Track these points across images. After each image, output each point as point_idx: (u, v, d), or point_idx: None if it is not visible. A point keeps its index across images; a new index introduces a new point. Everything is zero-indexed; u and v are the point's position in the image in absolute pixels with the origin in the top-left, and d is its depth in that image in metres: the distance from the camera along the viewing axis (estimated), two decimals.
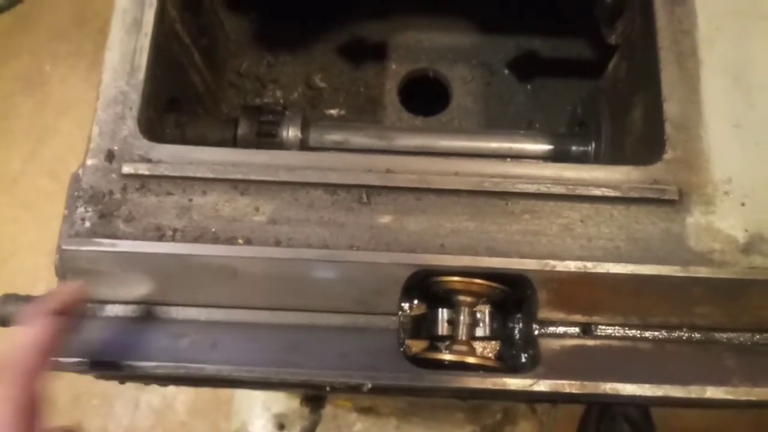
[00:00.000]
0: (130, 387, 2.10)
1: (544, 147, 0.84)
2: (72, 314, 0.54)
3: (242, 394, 1.78)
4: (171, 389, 2.08)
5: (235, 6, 1.08)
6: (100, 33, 2.40)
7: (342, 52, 1.10)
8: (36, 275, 2.13)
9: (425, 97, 1.08)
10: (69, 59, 2.40)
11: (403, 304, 0.62)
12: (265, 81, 1.09)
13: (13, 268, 2.14)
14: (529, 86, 1.07)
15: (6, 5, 2.47)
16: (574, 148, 0.83)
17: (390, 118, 1.06)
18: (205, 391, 2.07)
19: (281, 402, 1.70)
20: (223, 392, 2.04)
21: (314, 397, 1.10)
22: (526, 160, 0.80)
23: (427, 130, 0.99)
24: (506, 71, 1.08)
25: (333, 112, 1.07)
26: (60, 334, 0.52)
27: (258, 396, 1.73)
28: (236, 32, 1.10)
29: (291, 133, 0.84)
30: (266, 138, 0.84)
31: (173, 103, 0.84)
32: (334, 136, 0.85)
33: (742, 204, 0.62)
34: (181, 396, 2.06)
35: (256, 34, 1.11)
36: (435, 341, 0.64)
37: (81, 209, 0.61)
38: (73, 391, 2.05)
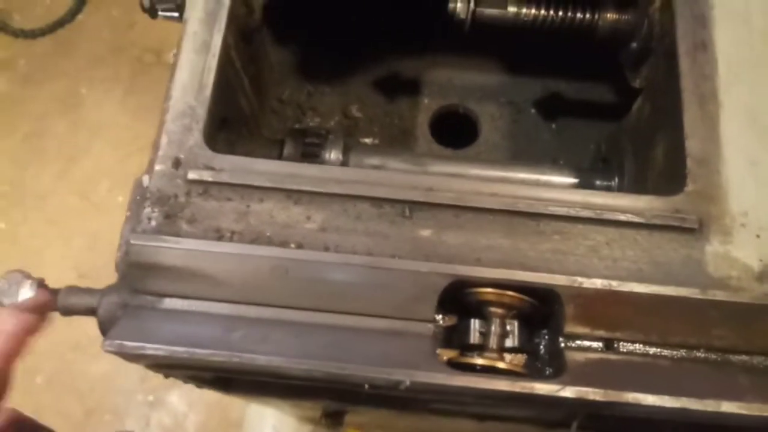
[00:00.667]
0: (141, 404, 2.12)
1: (569, 180, 0.89)
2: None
3: (252, 417, 1.81)
4: (182, 408, 2.10)
5: (280, 39, 1.15)
6: (137, 61, 2.52)
7: (378, 85, 1.17)
8: None
9: (455, 131, 1.14)
10: (105, 84, 2.50)
11: (436, 315, 0.67)
12: (304, 109, 1.16)
13: None
14: (553, 125, 1.13)
15: (47, 29, 2.59)
16: (598, 182, 0.88)
17: (421, 149, 1.12)
18: (216, 413, 2.10)
19: (291, 426, 1.72)
20: (234, 414, 2.07)
21: (334, 413, 1.13)
22: (556, 186, 0.86)
23: (459, 158, 1.05)
24: (532, 110, 1.14)
25: (368, 141, 1.14)
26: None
27: (268, 419, 1.75)
28: (280, 63, 1.17)
29: (333, 155, 0.90)
30: (310, 159, 0.90)
31: (224, 122, 0.91)
32: (373, 160, 0.91)
33: (757, 236, 0.66)
34: (192, 416, 2.08)
35: (298, 66, 1.19)
36: (465, 350, 0.68)
37: (148, 209, 0.67)
38: (85, 407, 2.08)
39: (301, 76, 1.19)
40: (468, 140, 1.13)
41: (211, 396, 2.11)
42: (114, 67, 2.53)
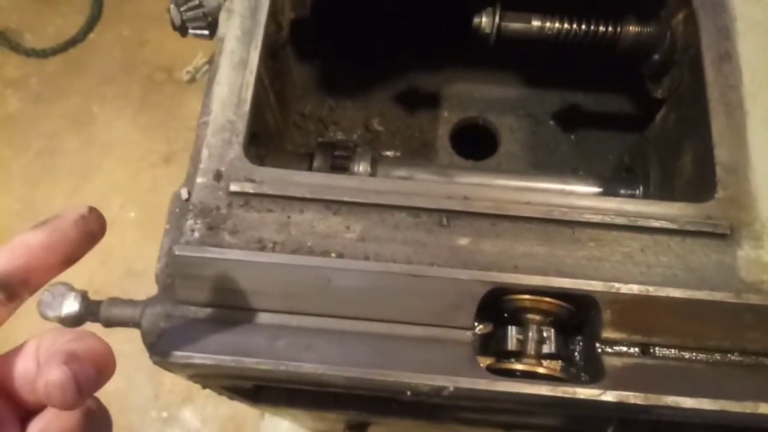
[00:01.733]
0: (155, 421, 2.12)
1: (593, 189, 0.91)
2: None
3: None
4: (195, 424, 2.10)
5: (302, 55, 1.18)
6: (148, 79, 2.55)
7: (399, 99, 1.20)
8: None
9: (475, 143, 1.16)
10: (116, 101, 2.53)
11: (475, 322, 0.68)
12: (327, 123, 1.18)
13: None
14: (573, 136, 1.15)
15: (59, 48, 2.62)
16: (622, 191, 0.90)
17: (442, 161, 1.14)
18: (229, 428, 2.09)
19: None
20: (248, 430, 2.07)
21: (358, 425, 1.14)
22: (589, 195, 0.87)
23: (482, 169, 1.07)
24: (551, 122, 1.16)
25: (389, 153, 1.16)
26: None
27: None
28: (302, 78, 1.20)
29: (362, 167, 0.91)
30: (339, 171, 0.91)
31: (254, 137, 0.92)
32: (400, 172, 0.93)
33: None
34: None
35: (319, 80, 1.21)
36: (502, 357, 0.69)
37: (191, 221, 0.68)
38: None
39: (323, 91, 1.21)
40: (488, 152, 1.15)
41: (224, 412, 2.11)
42: (125, 85, 2.56)
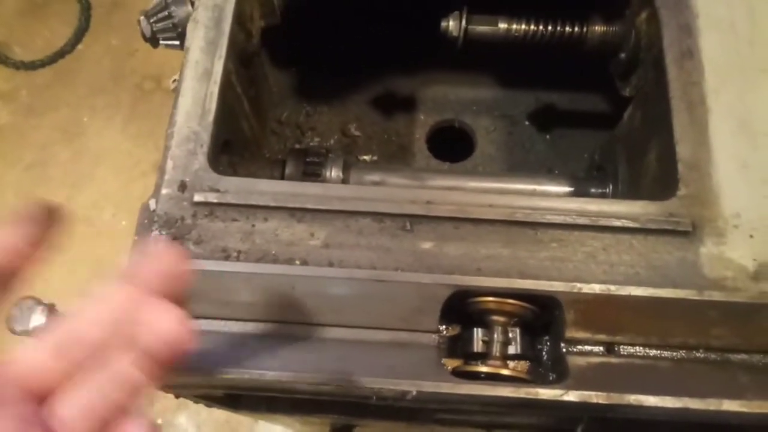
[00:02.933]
0: None
1: (565, 188, 0.91)
2: None
3: None
4: (191, 430, 2.10)
5: (278, 61, 1.18)
6: (137, 88, 2.55)
7: (375, 103, 1.20)
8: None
9: (451, 145, 1.17)
10: (106, 111, 2.54)
11: (440, 326, 0.68)
12: (303, 129, 1.18)
13: None
14: (548, 136, 1.15)
15: (48, 60, 2.63)
16: (593, 190, 0.90)
17: (419, 164, 1.14)
18: None
19: None
20: None
21: (343, 428, 1.14)
22: (552, 196, 0.87)
23: (456, 172, 1.07)
24: (527, 122, 1.16)
25: (366, 158, 1.16)
26: None
27: None
28: (278, 85, 1.20)
29: (334, 173, 0.92)
30: (311, 177, 0.92)
31: (226, 145, 0.93)
32: (373, 177, 0.93)
33: (751, 236, 0.68)
34: None
35: (296, 87, 1.21)
36: (469, 359, 0.70)
37: (155, 232, 0.69)
38: None
39: (300, 97, 1.21)
40: (464, 154, 1.15)
41: (219, 417, 2.11)
42: (115, 95, 2.57)
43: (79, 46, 2.65)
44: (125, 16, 2.63)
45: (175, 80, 0.94)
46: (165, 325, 0.40)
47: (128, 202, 2.37)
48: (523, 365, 0.70)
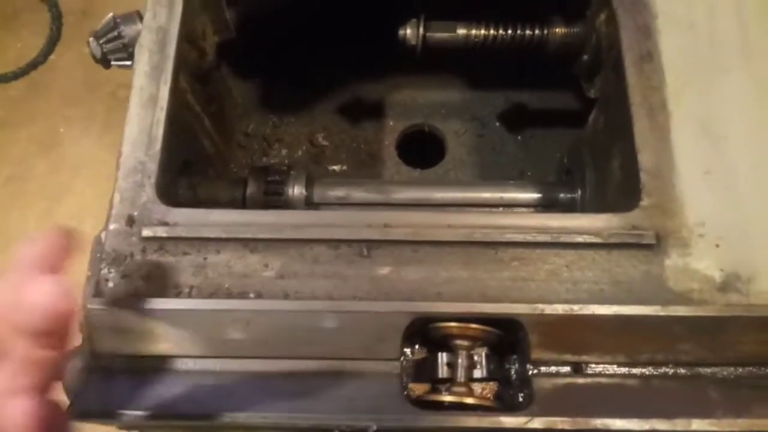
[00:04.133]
0: None
1: (533, 195, 0.89)
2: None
3: None
4: None
5: (241, 73, 1.15)
6: (112, 96, 2.51)
7: (342, 111, 1.18)
8: None
9: (422, 150, 1.14)
10: (82, 122, 2.50)
11: (405, 350, 0.66)
12: (270, 141, 1.16)
13: None
14: (519, 137, 1.13)
15: (20, 72, 2.59)
16: (562, 195, 0.88)
17: (389, 172, 1.12)
18: None
19: None
20: None
21: None
22: (513, 211, 0.85)
23: (422, 183, 1.05)
24: (497, 123, 1.14)
25: (336, 167, 1.14)
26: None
27: None
28: (243, 96, 1.17)
29: (296, 190, 0.90)
30: (273, 196, 0.89)
31: (186, 165, 0.90)
32: (337, 192, 0.91)
33: (717, 245, 0.66)
34: None
35: (261, 98, 1.19)
36: (436, 384, 0.68)
37: (104, 271, 0.66)
38: None
39: (266, 108, 1.19)
40: (436, 159, 1.13)
41: None
42: (89, 105, 2.53)
43: (52, 57, 2.61)
44: (95, 24, 2.57)
45: None
46: (39, 297, 0.41)
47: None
48: (491, 387, 0.68)
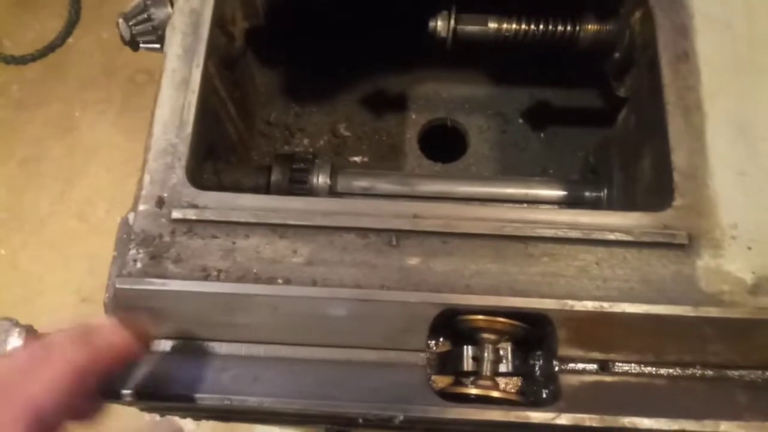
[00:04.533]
0: (149, 424, 2.12)
1: (558, 193, 0.89)
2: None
3: None
4: (190, 426, 2.10)
5: (265, 61, 1.15)
6: (130, 81, 2.52)
7: (365, 102, 1.17)
8: (62, 314, 2.18)
9: (444, 144, 1.14)
10: (98, 105, 2.50)
11: (429, 342, 0.66)
12: (292, 130, 1.15)
13: (39, 307, 2.19)
14: (542, 134, 1.12)
15: (38, 54, 2.59)
16: (587, 193, 0.88)
17: (410, 165, 1.12)
18: (222, 431, 2.09)
19: None
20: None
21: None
22: (543, 206, 0.85)
23: (447, 176, 1.05)
24: (520, 120, 1.14)
25: (357, 159, 1.13)
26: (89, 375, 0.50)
27: None
28: (266, 85, 1.17)
29: (321, 179, 0.89)
30: (297, 184, 0.89)
31: (210, 151, 0.90)
32: (361, 183, 0.91)
33: (749, 248, 0.66)
34: None
35: (284, 87, 1.18)
36: (460, 377, 0.68)
37: (133, 251, 0.66)
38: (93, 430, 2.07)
39: (288, 97, 1.18)
40: (457, 153, 1.12)
41: None
42: (106, 89, 2.53)
43: (70, 40, 2.61)
44: (115, 8, 2.56)
45: None
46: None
47: (122, 198, 2.32)
48: (514, 381, 0.68)
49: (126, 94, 2.52)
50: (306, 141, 1.15)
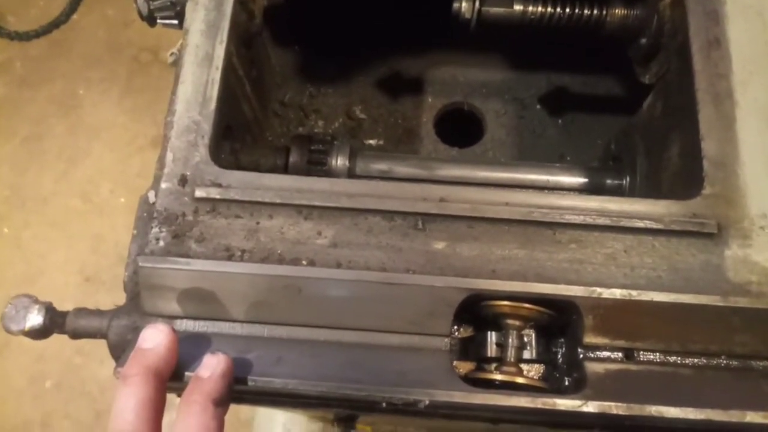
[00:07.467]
0: None
1: (579, 180, 0.88)
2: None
3: (263, 417, 1.80)
4: None
5: (281, 41, 1.13)
6: (134, 60, 2.49)
7: (381, 85, 1.16)
8: (65, 293, 2.17)
9: (460, 129, 1.13)
10: (102, 84, 2.48)
11: (453, 327, 0.65)
12: (307, 111, 1.14)
13: (42, 286, 2.19)
14: (560, 120, 1.11)
15: (42, 31, 2.56)
16: (608, 181, 0.87)
17: (426, 149, 1.11)
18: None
19: (302, 426, 1.72)
20: (244, 414, 2.06)
21: (346, 418, 1.13)
22: (571, 193, 0.84)
23: (466, 161, 1.04)
24: (538, 106, 1.12)
25: (372, 142, 1.12)
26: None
27: (279, 417, 1.75)
28: (281, 65, 1.15)
29: (339, 161, 0.88)
30: (316, 166, 0.88)
31: (228, 130, 0.89)
32: (380, 165, 0.90)
33: None
34: None
35: (299, 67, 1.17)
36: (482, 363, 0.67)
37: (155, 229, 0.65)
38: (95, 410, 2.07)
39: (303, 78, 1.17)
40: (474, 138, 1.11)
41: None
42: (110, 67, 2.51)
43: (74, 16, 2.58)
44: None
45: (173, 53, 0.89)
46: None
47: (126, 178, 2.33)
48: (537, 368, 0.67)
49: (130, 73, 2.50)
50: (321, 123, 1.13)
